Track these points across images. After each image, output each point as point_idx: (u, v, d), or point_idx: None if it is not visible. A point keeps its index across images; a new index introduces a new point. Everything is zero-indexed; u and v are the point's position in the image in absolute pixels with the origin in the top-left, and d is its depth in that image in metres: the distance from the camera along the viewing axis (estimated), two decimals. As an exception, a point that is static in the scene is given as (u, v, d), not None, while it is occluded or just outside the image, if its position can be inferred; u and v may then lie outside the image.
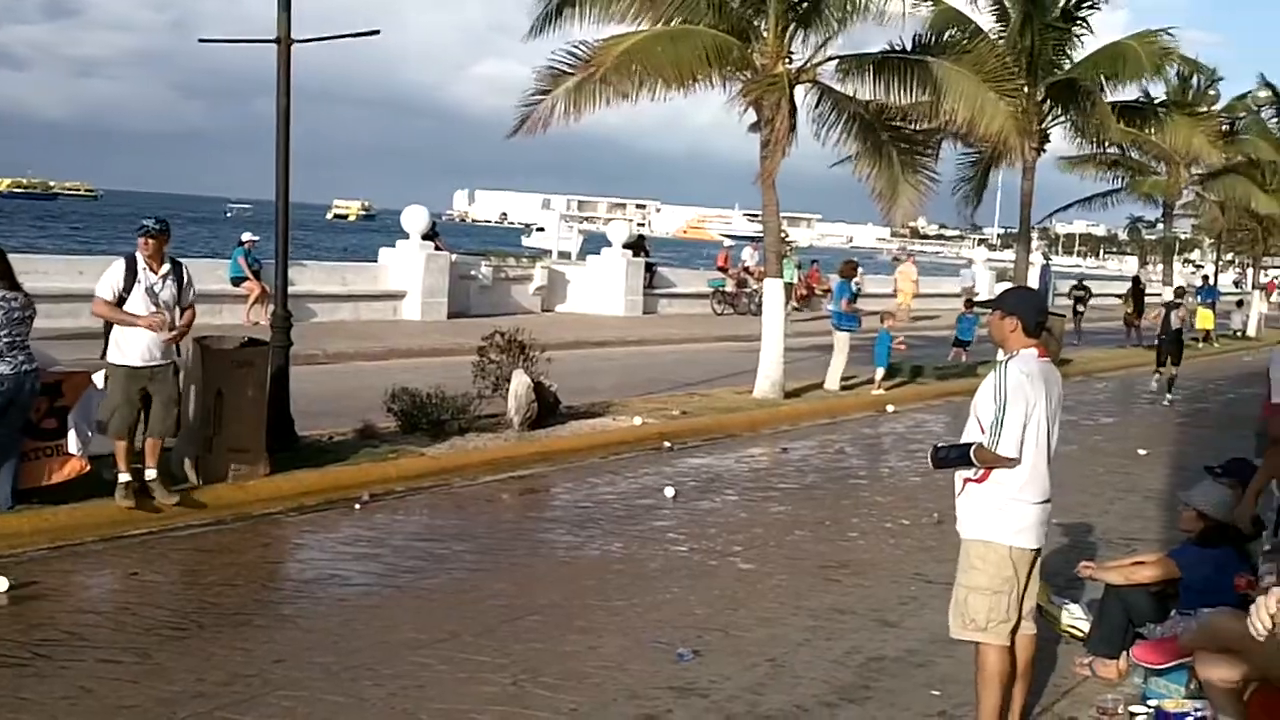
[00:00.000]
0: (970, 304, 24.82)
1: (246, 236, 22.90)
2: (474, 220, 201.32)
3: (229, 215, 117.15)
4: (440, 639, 6.89)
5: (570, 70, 16.02)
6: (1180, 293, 28.67)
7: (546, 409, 13.05)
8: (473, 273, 26.61)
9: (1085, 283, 38.15)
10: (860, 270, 20.68)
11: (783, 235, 36.90)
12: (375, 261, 26.06)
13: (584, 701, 6.06)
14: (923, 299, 37.44)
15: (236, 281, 21.69)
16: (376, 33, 11.91)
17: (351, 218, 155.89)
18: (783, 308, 17.60)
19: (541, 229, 68.81)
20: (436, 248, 25.38)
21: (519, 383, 12.62)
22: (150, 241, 8.99)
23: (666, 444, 13.49)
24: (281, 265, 11.22)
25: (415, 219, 25.01)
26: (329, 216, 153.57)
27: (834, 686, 6.47)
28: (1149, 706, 5.90)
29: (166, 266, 9.08)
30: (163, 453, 9.16)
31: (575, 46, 16.06)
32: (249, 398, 9.93)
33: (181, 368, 9.42)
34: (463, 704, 5.96)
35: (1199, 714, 5.50)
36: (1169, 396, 21.71)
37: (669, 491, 10.97)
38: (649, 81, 16.10)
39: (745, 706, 6.13)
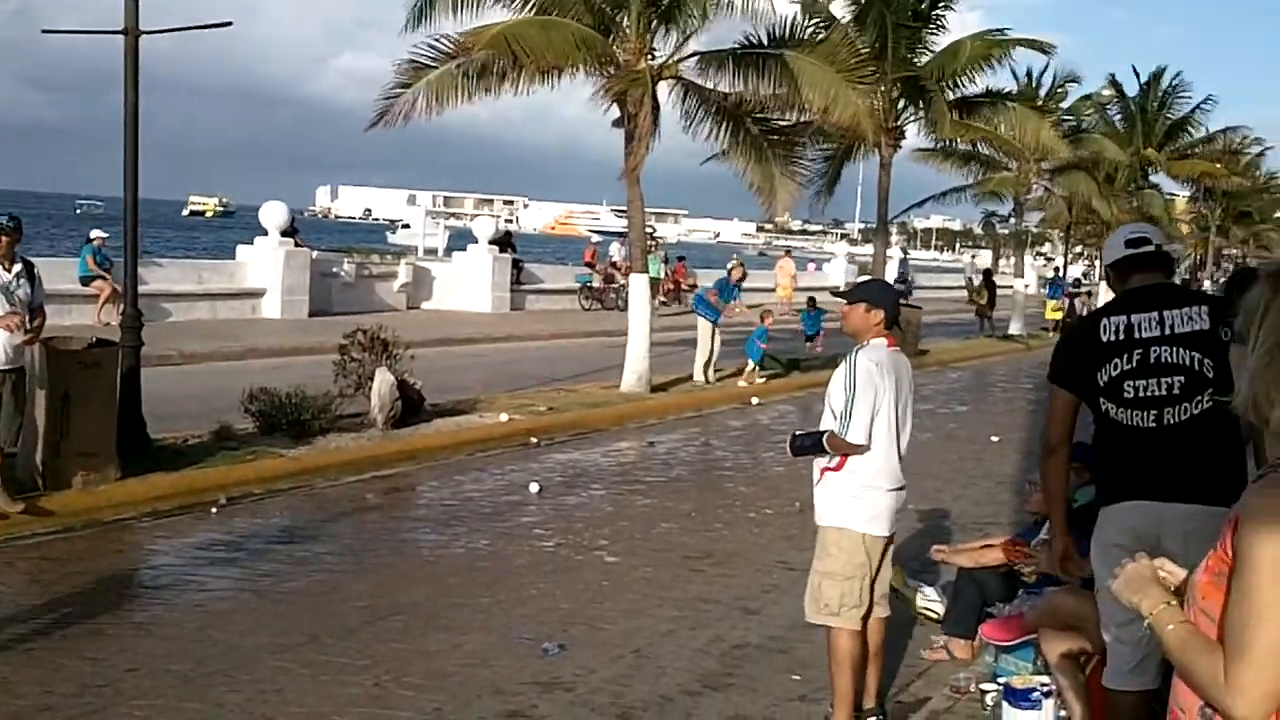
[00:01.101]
0: (812, 302, 25.34)
1: (95, 234, 22.20)
2: (337, 216, 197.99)
3: (79, 212, 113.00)
4: (300, 642, 6.78)
5: (433, 63, 15.92)
6: (1078, 284, 30.05)
7: (411, 407, 12.92)
8: (335, 270, 26.19)
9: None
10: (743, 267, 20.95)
11: (649, 231, 37.16)
12: (233, 259, 25.44)
13: (447, 700, 6.03)
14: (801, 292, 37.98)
15: (86, 281, 20.97)
16: (229, 24, 11.68)
17: (209, 214, 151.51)
18: (648, 303, 17.71)
19: (407, 225, 68.04)
20: (296, 244, 24.92)
21: (382, 381, 12.47)
22: (3, 239, 8.67)
23: (533, 440, 13.47)
24: (131, 263, 10.90)
25: (274, 215, 24.49)
26: (185, 213, 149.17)
27: (697, 675, 6.55)
28: (999, 683, 6.08)
29: (19, 265, 8.77)
30: (5, 459, 8.83)
31: (438, 39, 15.97)
32: (98, 400, 9.64)
33: (28, 371, 9.10)
34: (323, 707, 5.88)
35: (1044, 689, 5.68)
36: None
37: (534, 487, 10.96)
38: (513, 75, 16.09)
39: (610, 698, 6.16)
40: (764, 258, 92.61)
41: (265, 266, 24.16)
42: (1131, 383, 4.53)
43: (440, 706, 5.95)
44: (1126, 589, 2.28)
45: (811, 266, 37.09)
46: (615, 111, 17.40)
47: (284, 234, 24.57)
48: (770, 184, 17.98)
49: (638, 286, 17.61)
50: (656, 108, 17.10)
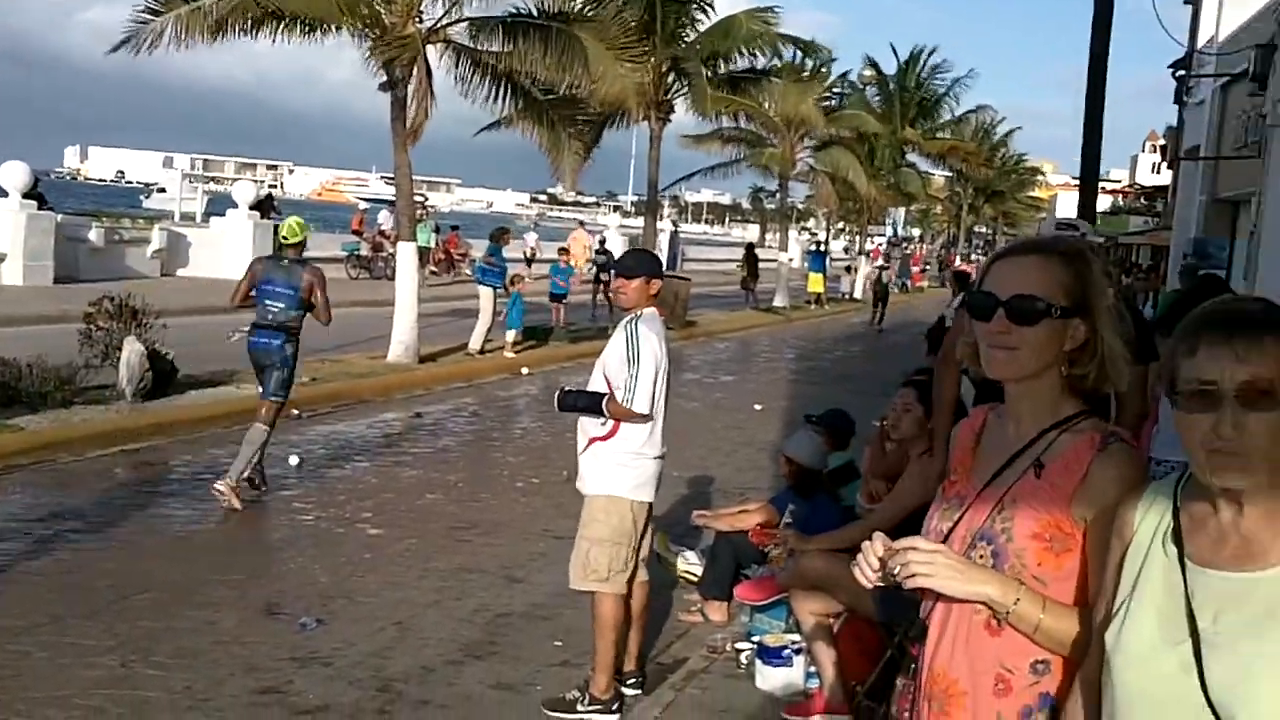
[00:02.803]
0: (564, 252, 25.38)
1: None
2: (87, 179, 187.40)
3: None
4: (41, 623, 6.42)
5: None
6: (887, 256, 31.93)
7: (163, 378, 12.37)
8: (82, 234, 24.80)
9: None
10: (518, 234, 20.98)
11: (420, 199, 36.58)
12: (-32, 223, 23.77)
13: (198, 679, 5.82)
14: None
15: None
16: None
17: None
18: (416, 272, 17.47)
19: (163, 189, 65.07)
20: (40, 207, 23.48)
21: (131, 351, 11.89)
22: None
23: (294, 412, 13.06)
24: None
25: (15, 176, 22.95)
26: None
27: (460, 644, 6.52)
28: (753, 642, 6.28)
29: None
30: None
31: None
32: None
33: None
34: (65, 690, 5.59)
35: (795, 646, 5.91)
36: (879, 328, 29.94)
37: (294, 460, 10.67)
38: (270, 25, 15.62)
39: (370, 671, 6.07)
40: (537, 229, 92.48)
41: (5, 230, 22.64)
42: None
43: (190, 685, 5.74)
44: (958, 579, 2.23)
45: (597, 238, 37.18)
46: (384, 75, 17.04)
47: (26, 196, 23.10)
48: (558, 149, 17.99)
49: (405, 255, 17.34)
50: (429, 73, 16.83)
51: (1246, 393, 1.83)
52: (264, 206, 29.73)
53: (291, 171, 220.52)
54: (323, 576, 7.59)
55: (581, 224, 42.87)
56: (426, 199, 46.89)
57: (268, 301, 9.48)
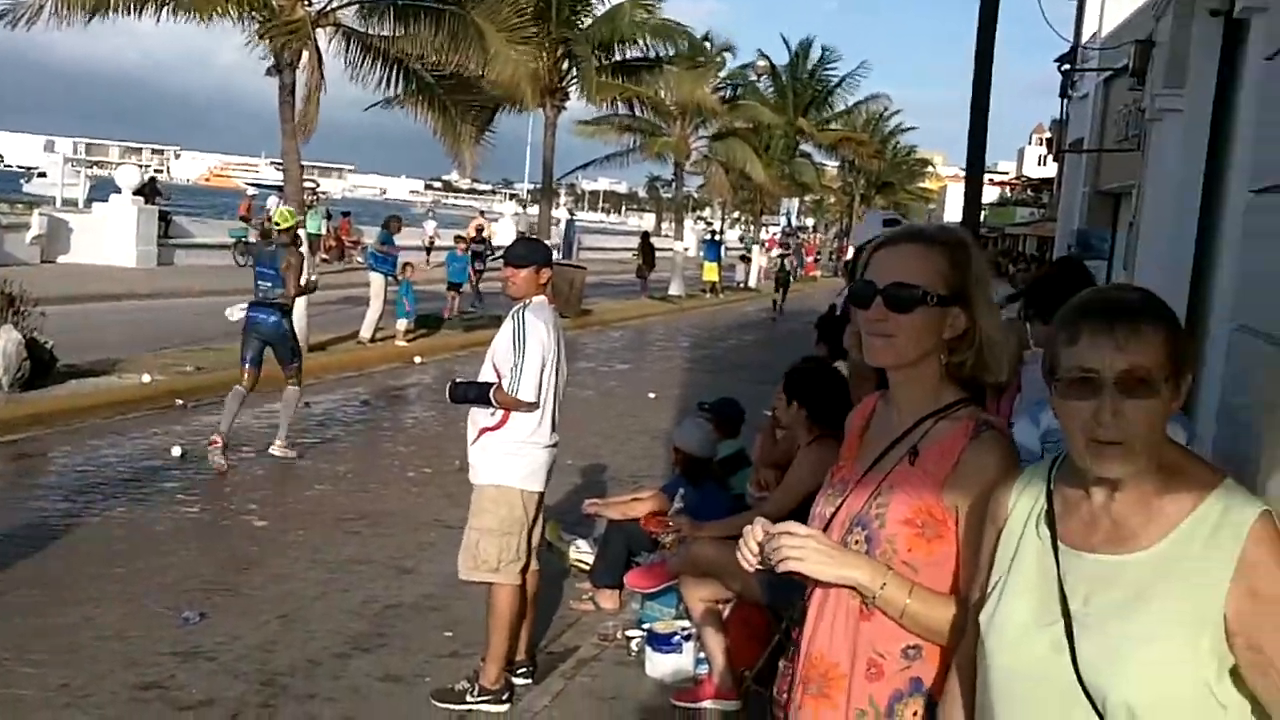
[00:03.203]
0: (462, 240, 25.19)
1: None
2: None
3: None
4: (-93, 623, 6.21)
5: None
6: (787, 245, 32.41)
7: (41, 368, 12.00)
8: (-43, 220, 23.99)
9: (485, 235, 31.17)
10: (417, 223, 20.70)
11: (313, 186, 36.00)
12: None
13: (77, 675, 5.67)
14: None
15: None
16: None
17: None
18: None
19: (43, 174, 63.13)
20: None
21: (7, 340, 11.50)
22: None
23: (179, 402, 12.81)
24: None
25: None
26: None
27: (347, 637, 6.44)
28: (643, 629, 6.31)
29: None
30: None
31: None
32: None
33: None
34: (-68, 691, 5.41)
35: (685, 633, 5.94)
36: (778, 314, 31.14)
37: (177, 451, 10.44)
38: (154, 3, 15.26)
39: (254, 665, 5.97)
40: (435, 217, 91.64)
41: (-127, 215, 21.84)
42: None
43: (69, 682, 5.59)
44: (827, 564, 2.25)
45: (473, 225, 36.97)
46: (271, 59, 16.72)
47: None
48: (454, 135, 17.83)
49: (295, 242, 17.04)
50: (319, 58, 16.55)
51: (1126, 381, 1.86)
52: (148, 191, 28.97)
53: (179, 156, 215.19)
54: (206, 570, 7.45)
55: (482, 213, 42.54)
56: (318, 185, 46.18)
57: (259, 281, 10.80)
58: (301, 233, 14.08)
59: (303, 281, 11.32)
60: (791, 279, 37.43)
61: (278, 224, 11.51)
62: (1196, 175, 7.88)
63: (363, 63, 17.37)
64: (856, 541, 2.32)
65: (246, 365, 10.67)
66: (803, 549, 2.23)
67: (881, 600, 2.24)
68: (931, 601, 2.24)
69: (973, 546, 2.22)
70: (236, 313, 10.92)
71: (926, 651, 2.28)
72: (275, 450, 10.72)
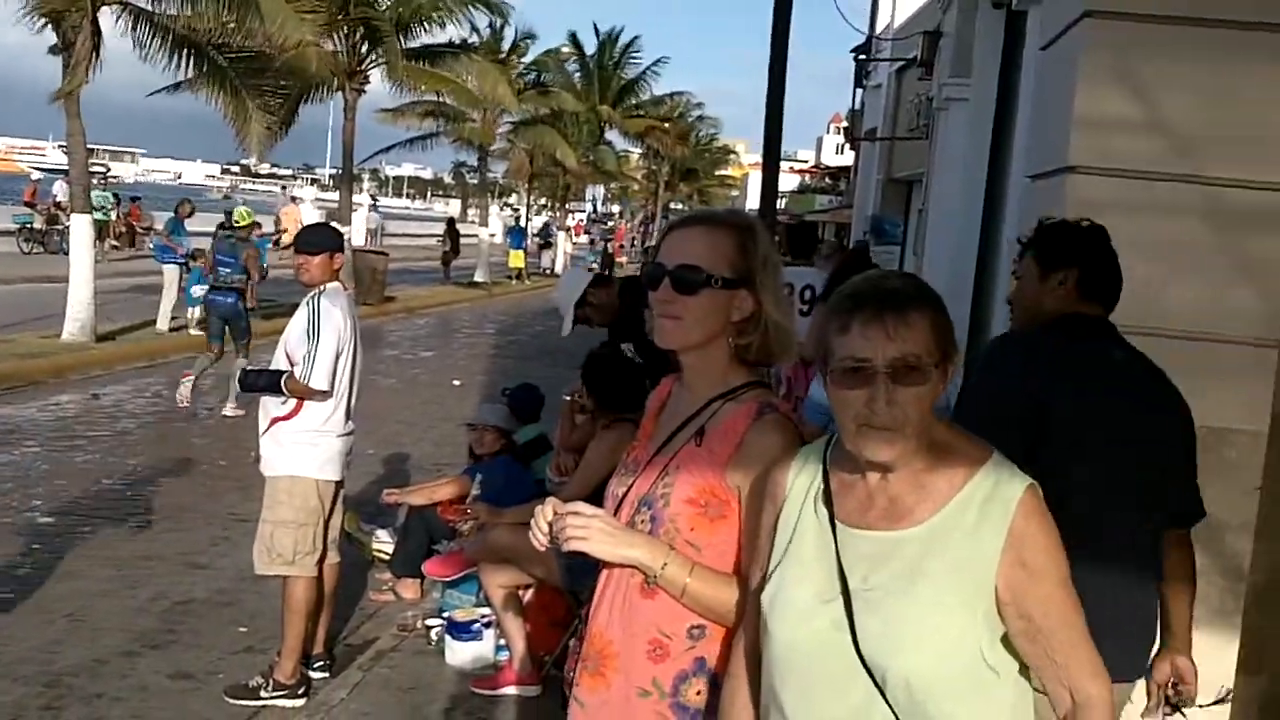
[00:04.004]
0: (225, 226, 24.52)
1: None
2: None
3: None
4: None
5: None
6: (603, 231, 31.75)
7: None
8: None
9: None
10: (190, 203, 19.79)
11: (103, 170, 34.40)
12: None
13: None
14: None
15: None
16: None
17: None
18: (92, 245, 16.51)
19: None
20: None
21: None
22: None
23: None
24: None
25: None
26: None
27: (135, 634, 6.23)
28: (443, 618, 6.30)
29: None
30: None
31: None
32: None
33: None
34: None
35: (485, 620, 5.96)
36: None
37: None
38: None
39: (37, 667, 5.73)
40: (229, 200, 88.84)
41: None
42: None
43: None
44: (609, 543, 2.27)
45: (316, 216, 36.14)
46: (52, 37, 15.99)
47: None
48: (244, 117, 17.31)
49: (80, 228, 16.33)
50: (98, 34, 15.85)
51: (897, 369, 1.92)
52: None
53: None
54: (-15, 570, 7.11)
55: (295, 199, 41.42)
56: (109, 170, 44.22)
57: (219, 269, 13.16)
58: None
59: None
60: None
61: (237, 221, 14.40)
62: (981, 162, 8.25)
63: (150, 42, 16.74)
64: (643, 521, 2.35)
65: (212, 342, 12.99)
66: (587, 528, 2.25)
67: (663, 579, 2.26)
68: (713, 581, 2.27)
69: (753, 527, 2.26)
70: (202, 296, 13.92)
71: (711, 631, 2.32)
72: (227, 411, 12.33)
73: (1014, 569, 1.95)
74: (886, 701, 1.95)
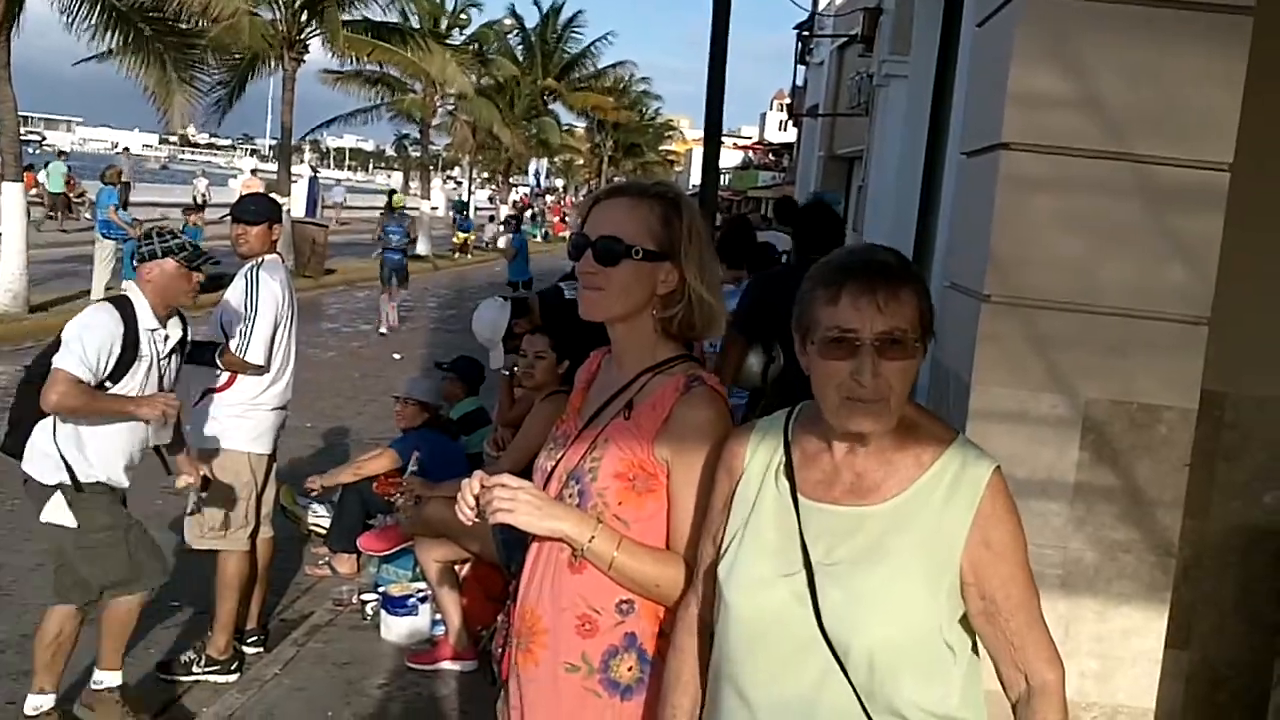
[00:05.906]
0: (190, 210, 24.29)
1: None
2: None
3: None
4: None
5: None
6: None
7: None
8: None
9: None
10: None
11: (38, 138, 33.66)
12: None
13: None
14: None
15: None
16: None
17: None
18: (23, 214, 16.21)
19: None
20: None
21: None
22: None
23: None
24: None
25: None
26: None
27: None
28: (379, 593, 6.26)
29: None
30: None
31: None
32: None
33: None
34: None
35: (420, 595, 5.93)
36: None
37: None
38: None
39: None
40: (167, 170, 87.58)
41: None
42: None
43: None
44: (536, 515, 2.26)
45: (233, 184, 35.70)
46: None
47: None
48: (166, 90, 17.02)
49: (11, 197, 16.02)
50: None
51: (884, 341, 1.92)
52: None
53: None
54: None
55: (254, 172, 40.80)
56: (44, 138, 43.42)
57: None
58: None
59: None
60: (533, 239, 37.33)
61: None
62: (920, 139, 8.26)
63: (76, 9, 16.45)
64: (570, 495, 2.34)
65: None
66: (514, 500, 2.24)
67: (590, 553, 2.26)
68: (640, 555, 2.27)
69: (681, 501, 2.26)
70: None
71: (640, 606, 2.31)
72: None
73: (979, 549, 1.97)
74: (845, 675, 1.95)
